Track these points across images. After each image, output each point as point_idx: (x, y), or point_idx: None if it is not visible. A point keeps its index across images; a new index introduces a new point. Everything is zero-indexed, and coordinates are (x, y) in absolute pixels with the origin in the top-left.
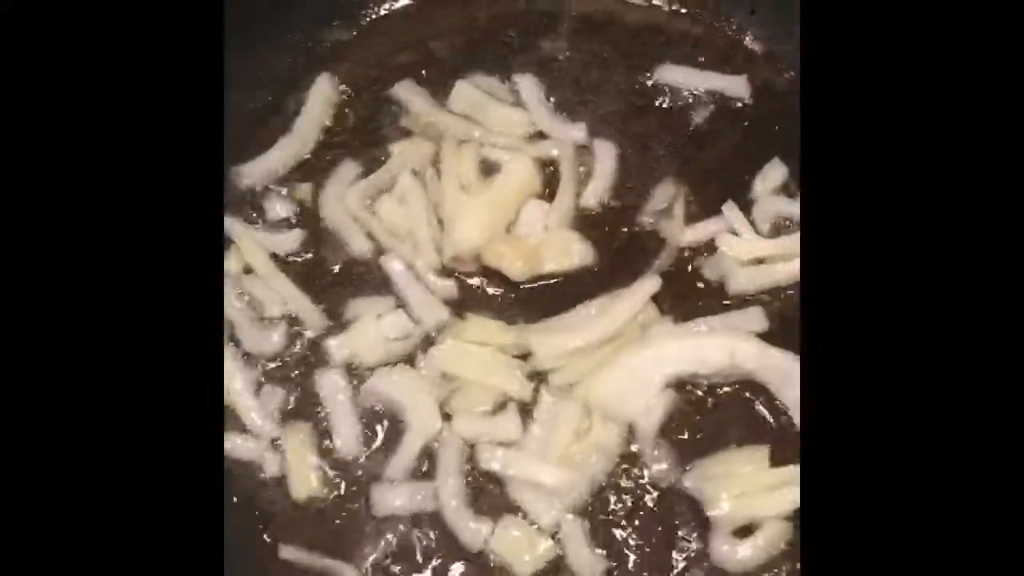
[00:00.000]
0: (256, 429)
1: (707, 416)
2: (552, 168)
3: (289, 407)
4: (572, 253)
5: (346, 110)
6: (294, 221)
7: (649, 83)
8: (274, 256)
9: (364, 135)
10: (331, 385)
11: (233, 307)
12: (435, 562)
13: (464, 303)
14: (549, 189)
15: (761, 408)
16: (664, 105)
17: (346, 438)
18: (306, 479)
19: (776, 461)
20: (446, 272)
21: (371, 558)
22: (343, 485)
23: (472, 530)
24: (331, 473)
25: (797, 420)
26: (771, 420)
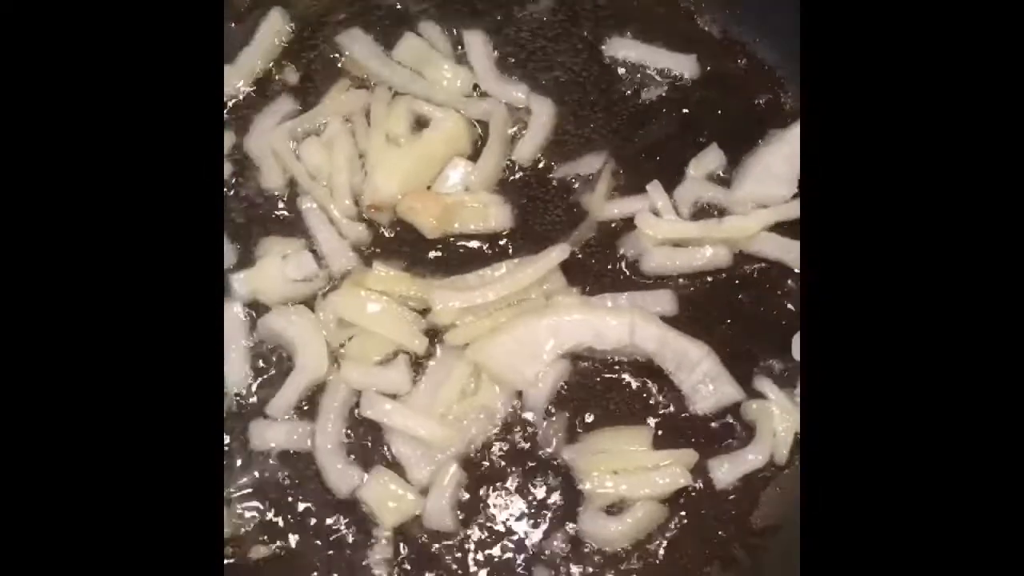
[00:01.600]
0: None
1: (597, 392)
2: (483, 130)
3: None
4: (489, 216)
5: (293, 48)
6: (224, 154)
7: (602, 56)
8: None
9: (306, 76)
10: (228, 316)
11: None
12: (300, 504)
13: (375, 253)
14: (477, 151)
15: (653, 390)
16: (613, 79)
17: (235, 370)
18: None
19: (659, 444)
20: (360, 219)
21: (238, 493)
22: (224, 416)
23: (341, 473)
24: None
25: (691, 406)
26: (662, 403)
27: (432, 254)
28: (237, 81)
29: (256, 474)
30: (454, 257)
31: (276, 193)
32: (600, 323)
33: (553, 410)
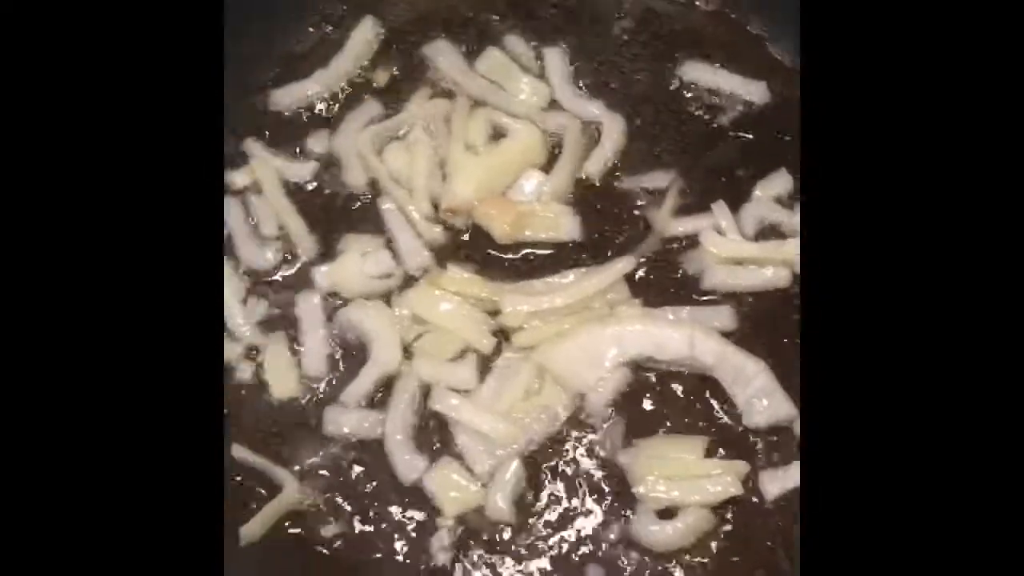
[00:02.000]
0: (238, 334)
1: (656, 400)
2: (558, 143)
3: (270, 320)
4: (559, 226)
5: (383, 56)
6: (314, 153)
7: (676, 79)
8: (284, 182)
9: (393, 82)
10: (309, 307)
11: (234, 220)
12: (367, 488)
13: (449, 255)
14: (551, 162)
15: (709, 402)
16: (684, 101)
17: (313, 358)
18: (286, 381)
19: (712, 454)
20: (437, 222)
21: (310, 472)
22: (302, 401)
23: (407, 462)
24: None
25: (746, 420)
26: (716, 415)
27: (504, 259)
28: (328, 84)
29: (327, 457)
30: (524, 263)
31: (358, 192)
32: (661, 335)
33: (612, 415)
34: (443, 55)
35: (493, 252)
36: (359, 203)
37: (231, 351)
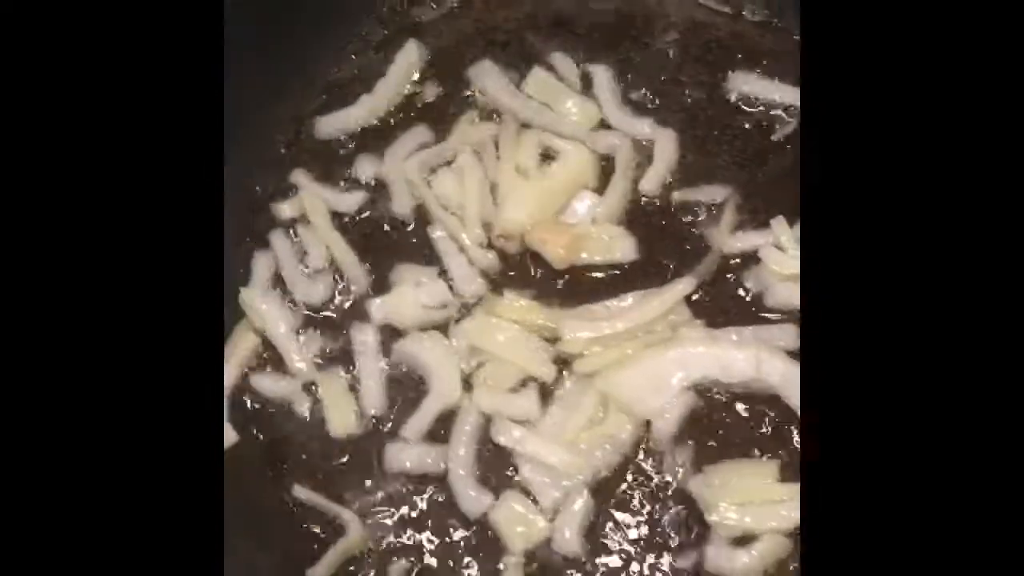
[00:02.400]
0: (294, 370)
1: (724, 424)
2: (609, 163)
3: (327, 355)
4: (615, 247)
5: (427, 80)
6: (361, 182)
7: (726, 90)
8: (333, 213)
9: (439, 107)
10: (364, 341)
11: (283, 252)
12: (431, 524)
13: (504, 281)
14: (603, 183)
15: (779, 423)
16: (736, 113)
17: (371, 392)
18: (345, 418)
19: (785, 477)
20: (490, 248)
21: (372, 509)
22: (360, 437)
23: (473, 498)
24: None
25: None
26: (787, 436)
27: (559, 283)
28: (374, 109)
29: (390, 494)
30: (580, 287)
31: (406, 219)
32: (726, 356)
33: (679, 441)
34: (488, 77)
35: (548, 277)
36: (408, 231)
37: (288, 387)
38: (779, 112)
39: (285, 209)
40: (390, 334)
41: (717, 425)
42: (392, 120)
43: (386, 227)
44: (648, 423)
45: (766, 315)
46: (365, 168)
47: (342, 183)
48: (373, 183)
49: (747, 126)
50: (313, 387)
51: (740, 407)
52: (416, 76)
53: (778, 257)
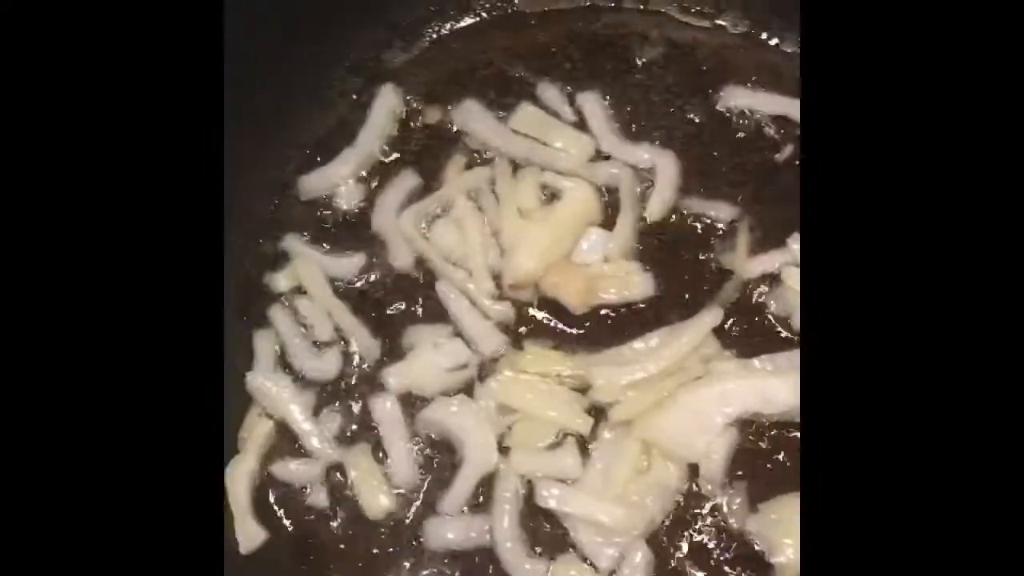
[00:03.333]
0: (315, 453)
1: (771, 457)
2: (611, 194)
3: (347, 433)
4: (632, 284)
5: (411, 124)
6: (356, 241)
7: (718, 107)
8: (331, 278)
9: (426, 151)
10: (386, 413)
11: (284, 328)
12: None
13: (522, 331)
14: (607, 215)
15: None
16: (733, 129)
17: (402, 467)
18: (377, 497)
19: None
20: (502, 298)
21: None
22: (394, 516)
23: (526, 570)
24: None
25: None
26: None
27: (580, 328)
28: (359, 160)
29: (435, 573)
30: (602, 329)
31: (407, 273)
32: (766, 387)
33: (730, 480)
34: (473, 117)
35: (567, 322)
36: (414, 289)
37: (309, 473)
38: (774, 123)
39: (280, 280)
40: (411, 400)
41: (766, 459)
42: (380, 168)
43: (389, 285)
44: (695, 465)
45: (795, 337)
46: (358, 224)
47: (339, 242)
48: (369, 239)
49: (746, 139)
50: (337, 471)
51: (788, 437)
52: (398, 121)
53: (799, 275)
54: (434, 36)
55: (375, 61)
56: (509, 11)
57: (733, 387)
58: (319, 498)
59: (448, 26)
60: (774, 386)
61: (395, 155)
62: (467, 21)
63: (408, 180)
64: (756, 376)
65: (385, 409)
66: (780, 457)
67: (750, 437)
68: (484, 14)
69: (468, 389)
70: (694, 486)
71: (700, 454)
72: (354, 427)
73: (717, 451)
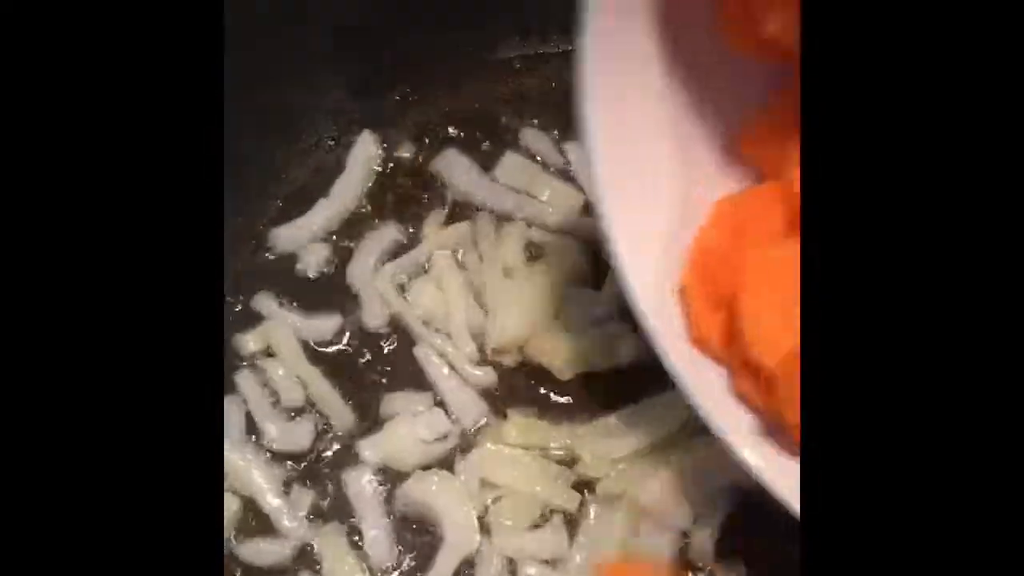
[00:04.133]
0: (284, 531)
1: (770, 521)
2: (600, 250)
3: (321, 509)
4: (619, 349)
5: (390, 174)
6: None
7: None
8: (304, 342)
9: (406, 203)
10: (361, 489)
11: (252, 395)
12: None
13: (505, 398)
14: (593, 272)
15: None
16: None
17: (378, 547)
18: None
19: None
20: (484, 363)
21: None
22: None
23: None
24: None
25: None
26: None
27: (565, 395)
28: (335, 211)
29: None
30: (589, 395)
31: (384, 333)
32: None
33: (725, 548)
34: (455, 168)
35: (553, 389)
36: (391, 351)
37: (279, 553)
38: None
39: (249, 342)
40: (388, 474)
41: (762, 524)
42: (357, 220)
43: (366, 350)
44: (686, 534)
45: None
46: (333, 281)
47: (312, 301)
48: (344, 296)
49: None
50: (310, 549)
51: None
52: (377, 170)
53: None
54: (415, 81)
55: (351, 108)
56: (494, 56)
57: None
58: None
59: (431, 70)
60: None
61: (373, 206)
62: (450, 64)
63: (387, 233)
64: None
65: (360, 484)
66: (778, 521)
67: (745, 502)
68: (467, 59)
69: (448, 462)
70: (687, 556)
71: (689, 523)
72: (327, 504)
73: (710, 519)
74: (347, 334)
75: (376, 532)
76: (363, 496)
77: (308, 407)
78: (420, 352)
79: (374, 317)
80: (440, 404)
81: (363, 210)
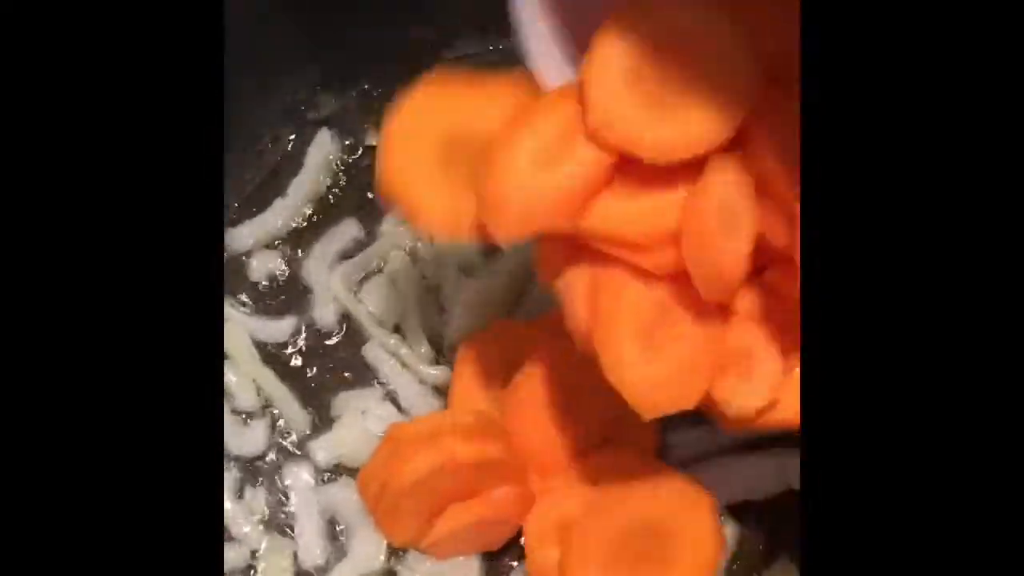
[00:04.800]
0: (239, 536)
1: (770, 538)
2: None
3: (276, 517)
4: None
5: (348, 174)
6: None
7: None
8: (259, 343)
9: (364, 202)
10: (300, 486)
11: None
12: None
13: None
14: None
15: None
16: None
17: (308, 546)
18: None
19: None
20: (438, 362)
21: None
22: None
23: None
24: None
25: None
26: None
27: None
28: (292, 210)
29: None
30: None
31: (337, 332)
32: (753, 474)
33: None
34: None
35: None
36: (344, 350)
37: (236, 559)
38: None
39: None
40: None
41: (764, 545)
42: (315, 217)
43: (320, 350)
44: None
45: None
46: (289, 282)
47: (268, 303)
48: (298, 295)
49: None
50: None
51: (778, 516)
52: (335, 168)
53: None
54: (374, 78)
55: (308, 105)
56: (452, 52)
57: (716, 474)
58: None
59: (390, 67)
60: (761, 467)
61: (332, 205)
62: (410, 61)
63: (346, 232)
64: (741, 462)
65: (299, 481)
66: (776, 539)
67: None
68: (426, 55)
69: None
70: None
71: None
72: (275, 506)
73: None
74: (303, 335)
75: (309, 535)
76: (298, 493)
77: (263, 411)
78: (370, 352)
79: (326, 316)
80: (391, 400)
81: (321, 209)
